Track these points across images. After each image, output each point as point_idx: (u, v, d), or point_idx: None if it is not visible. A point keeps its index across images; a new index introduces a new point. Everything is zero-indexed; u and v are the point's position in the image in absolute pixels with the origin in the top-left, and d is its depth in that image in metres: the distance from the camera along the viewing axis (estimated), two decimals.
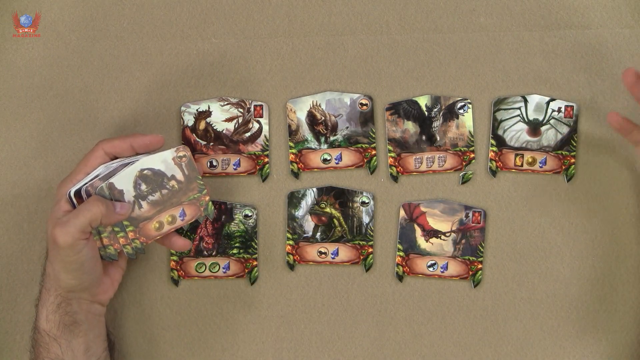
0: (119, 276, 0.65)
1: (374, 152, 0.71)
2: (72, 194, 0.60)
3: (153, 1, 0.71)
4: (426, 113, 0.70)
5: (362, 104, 0.71)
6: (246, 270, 0.71)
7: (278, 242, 0.71)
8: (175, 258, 0.71)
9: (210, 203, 0.65)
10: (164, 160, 0.62)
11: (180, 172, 0.62)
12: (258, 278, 0.71)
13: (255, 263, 0.71)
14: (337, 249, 0.71)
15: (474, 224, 0.70)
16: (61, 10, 0.71)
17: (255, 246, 0.71)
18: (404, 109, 0.71)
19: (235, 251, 0.71)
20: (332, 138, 0.71)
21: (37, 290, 0.71)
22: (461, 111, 0.70)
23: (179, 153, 0.62)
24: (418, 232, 0.70)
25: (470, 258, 0.70)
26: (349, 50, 0.71)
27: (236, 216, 0.71)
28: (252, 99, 0.71)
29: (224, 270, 0.71)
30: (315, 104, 0.71)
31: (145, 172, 0.61)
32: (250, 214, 0.71)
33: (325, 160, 0.71)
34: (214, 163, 0.71)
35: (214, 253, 0.71)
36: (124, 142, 0.62)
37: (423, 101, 0.70)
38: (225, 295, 0.71)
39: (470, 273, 0.70)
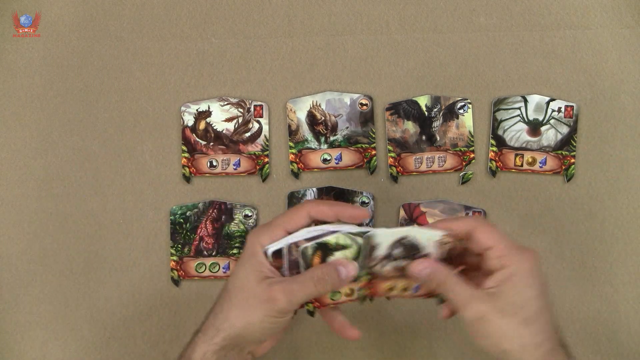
0: (282, 334, 0.61)
1: (374, 152, 0.71)
2: (269, 253, 0.57)
3: (153, 1, 0.71)
4: (426, 113, 0.70)
5: (362, 104, 0.71)
6: None
7: None
8: (175, 258, 0.71)
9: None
10: (429, 238, 0.59)
11: (435, 252, 0.60)
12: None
13: None
14: None
15: None
16: (61, 10, 0.71)
17: None
18: (404, 109, 0.71)
19: (235, 251, 0.71)
20: (332, 138, 0.71)
21: (36, 290, 0.71)
22: (461, 111, 0.70)
23: (445, 240, 0.58)
24: None
25: None
26: (349, 50, 0.71)
27: (236, 216, 0.71)
28: (252, 99, 0.71)
29: (224, 270, 0.71)
30: (315, 104, 0.71)
31: (406, 239, 0.59)
32: (250, 214, 0.71)
33: (325, 160, 0.71)
34: (214, 163, 0.71)
35: (214, 253, 0.71)
36: (330, 210, 0.58)
37: (423, 101, 0.70)
38: None
39: None
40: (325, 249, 0.58)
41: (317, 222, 0.59)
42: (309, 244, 0.57)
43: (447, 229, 0.57)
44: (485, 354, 0.71)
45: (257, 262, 0.56)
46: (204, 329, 0.57)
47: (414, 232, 0.58)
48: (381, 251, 0.58)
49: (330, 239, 0.58)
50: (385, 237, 0.58)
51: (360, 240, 0.58)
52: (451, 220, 0.59)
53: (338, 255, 0.58)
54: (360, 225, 0.59)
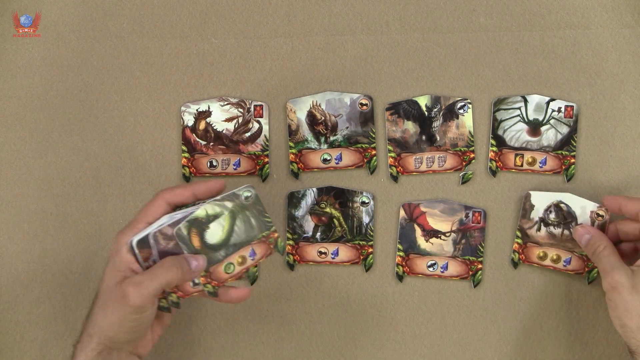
0: (160, 331, 0.63)
1: (374, 152, 0.71)
2: (134, 243, 0.58)
3: (153, 1, 0.71)
4: (426, 113, 0.70)
5: (362, 104, 0.71)
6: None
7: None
8: None
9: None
10: (584, 207, 0.63)
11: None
12: (258, 278, 0.71)
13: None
14: (337, 249, 0.71)
15: (474, 224, 0.70)
16: (61, 10, 0.71)
17: None
18: (404, 109, 0.71)
19: None
20: (332, 138, 0.71)
21: (36, 290, 0.71)
22: (461, 111, 0.70)
23: (600, 212, 0.63)
24: (418, 232, 0.70)
25: (470, 258, 0.70)
26: (349, 50, 0.71)
27: None
28: (252, 99, 0.71)
29: None
30: (315, 104, 0.71)
31: (563, 204, 0.62)
32: None
33: (325, 160, 0.71)
34: (214, 163, 0.71)
35: None
36: (185, 190, 0.60)
37: (423, 101, 0.70)
38: None
39: (470, 273, 0.70)
40: (199, 225, 0.59)
41: (177, 208, 0.60)
42: (180, 225, 0.58)
43: (617, 205, 0.63)
44: (485, 354, 0.71)
45: (118, 261, 0.58)
46: (81, 337, 0.57)
47: (570, 198, 0.63)
48: (538, 213, 0.63)
49: (199, 212, 0.59)
50: (541, 198, 0.63)
51: (229, 204, 0.60)
52: (622, 198, 0.64)
53: (213, 227, 0.60)
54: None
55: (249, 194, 0.62)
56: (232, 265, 0.61)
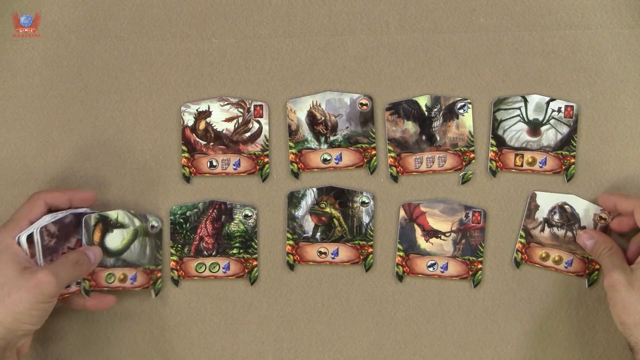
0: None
1: (374, 152, 0.71)
2: (23, 239, 0.61)
3: (153, 1, 0.71)
4: (426, 113, 0.70)
5: (362, 104, 0.71)
6: (246, 270, 0.71)
7: (278, 242, 0.71)
8: (175, 258, 0.71)
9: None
10: (587, 209, 0.66)
11: (591, 226, 0.66)
12: (258, 278, 0.71)
13: (255, 263, 0.71)
14: (337, 249, 0.71)
15: (474, 224, 0.70)
16: (61, 10, 0.71)
17: (255, 246, 0.71)
18: (404, 109, 0.71)
19: (235, 251, 0.71)
20: (332, 138, 0.71)
21: None
22: (461, 111, 0.70)
23: (153, 222, 0.68)
24: (418, 232, 0.70)
25: (470, 258, 0.70)
26: (349, 50, 0.71)
27: (236, 216, 0.71)
28: (252, 99, 0.71)
29: (224, 270, 0.71)
30: (315, 104, 0.71)
31: (567, 206, 0.66)
32: (250, 214, 0.71)
33: (325, 160, 0.71)
34: (214, 163, 0.71)
35: (214, 253, 0.71)
36: (62, 194, 0.65)
37: (423, 101, 0.70)
38: (225, 295, 0.71)
39: (470, 273, 0.70)
40: (106, 223, 0.67)
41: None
42: (91, 215, 0.66)
43: (612, 204, 0.64)
44: (485, 354, 0.71)
45: (12, 254, 0.60)
46: None
47: (575, 200, 0.65)
48: (542, 213, 0.65)
49: (112, 214, 0.67)
50: (546, 198, 0.65)
51: (137, 222, 0.68)
52: (617, 196, 0.65)
53: (116, 233, 0.67)
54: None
55: (156, 225, 0.68)
56: (114, 278, 0.68)
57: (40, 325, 0.60)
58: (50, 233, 0.63)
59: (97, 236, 0.67)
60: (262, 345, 0.71)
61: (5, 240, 0.60)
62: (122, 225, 0.67)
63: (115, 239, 0.68)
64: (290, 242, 0.71)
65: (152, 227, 0.68)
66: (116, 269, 0.68)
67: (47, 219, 0.63)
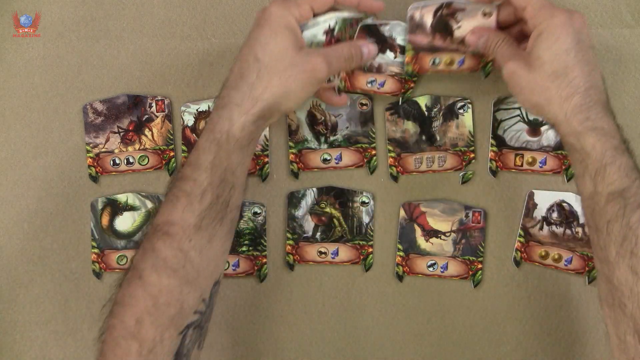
0: None
1: (374, 152, 0.71)
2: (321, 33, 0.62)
3: (153, 1, 0.71)
4: (426, 113, 0.70)
5: (362, 104, 0.71)
6: (256, 268, 0.71)
7: (278, 242, 0.71)
8: None
9: None
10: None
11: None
12: (267, 276, 0.71)
13: (264, 260, 0.71)
14: (337, 249, 0.71)
15: (474, 224, 0.70)
16: (61, 10, 0.71)
17: (265, 243, 0.71)
18: (404, 109, 0.71)
19: (244, 248, 0.71)
20: (332, 138, 0.71)
21: (36, 290, 0.71)
22: (461, 111, 0.70)
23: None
24: (418, 232, 0.70)
25: (470, 258, 0.70)
26: None
27: (245, 214, 0.71)
28: None
29: (234, 268, 0.71)
30: (315, 103, 0.71)
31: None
32: (259, 212, 0.71)
33: (325, 160, 0.71)
34: None
35: None
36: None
37: (423, 101, 0.70)
38: (226, 295, 0.71)
39: (470, 273, 0.70)
40: (114, 206, 0.67)
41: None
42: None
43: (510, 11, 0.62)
44: (485, 354, 0.71)
45: (292, 31, 0.59)
46: (238, 102, 0.57)
47: (572, 198, 0.66)
48: (540, 212, 0.65)
49: (121, 197, 0.67)
50: (544, 197, 0.66)
51: (149, 204, 0.67)
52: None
53: (127, 215, 0.67)
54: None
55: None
56: (125, 259, 0.67)
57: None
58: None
59: (105, 220, 0.67)
60: (262, 345, 0.71)
61: (286, 18, 0.59)
62: (132, 208, 0.67)
63: (125, 222, 0.68)
64: (290, 242, 0.71)
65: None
66: (128, 250, 0.68)
67: (335, 15, 0.63)
